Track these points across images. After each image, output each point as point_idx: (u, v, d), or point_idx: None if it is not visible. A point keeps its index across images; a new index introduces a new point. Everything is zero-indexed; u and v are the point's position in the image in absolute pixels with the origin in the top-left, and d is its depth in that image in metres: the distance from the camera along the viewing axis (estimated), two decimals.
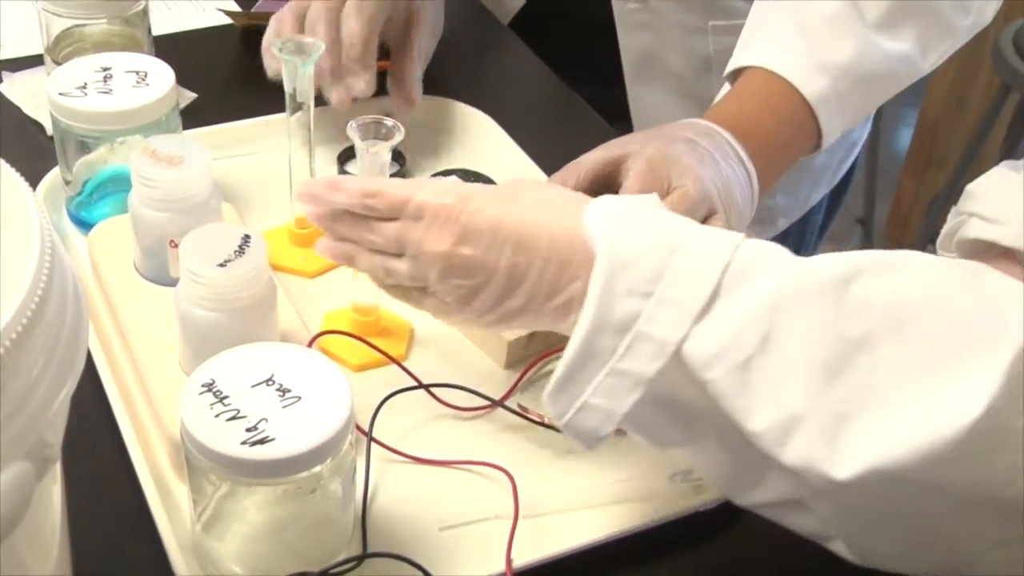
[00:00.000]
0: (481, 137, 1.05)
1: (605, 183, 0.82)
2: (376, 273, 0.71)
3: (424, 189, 0.69)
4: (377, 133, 0.76)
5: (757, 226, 1.15)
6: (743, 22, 0.97)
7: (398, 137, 0.76)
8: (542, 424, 0.78)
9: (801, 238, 1.32)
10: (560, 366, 0.64)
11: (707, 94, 1.05)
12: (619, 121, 1.18)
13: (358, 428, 0.74)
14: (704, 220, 0.81)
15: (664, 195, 0.80)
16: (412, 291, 0.71)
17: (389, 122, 0.76)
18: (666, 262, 0.62)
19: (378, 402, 0.77)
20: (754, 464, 0.62)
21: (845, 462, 0.58)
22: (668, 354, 0.61)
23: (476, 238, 0.67)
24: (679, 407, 0.64)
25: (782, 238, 1.28)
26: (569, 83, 1.15)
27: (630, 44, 1.17)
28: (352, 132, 0.76)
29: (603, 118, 1.12)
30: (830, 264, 0.62)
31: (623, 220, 0.65)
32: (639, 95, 1.20)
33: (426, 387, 0.79)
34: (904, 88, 0.98)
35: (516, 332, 0.80)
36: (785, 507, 0.64)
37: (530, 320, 0.69)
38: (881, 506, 0.60)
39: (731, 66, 0.94)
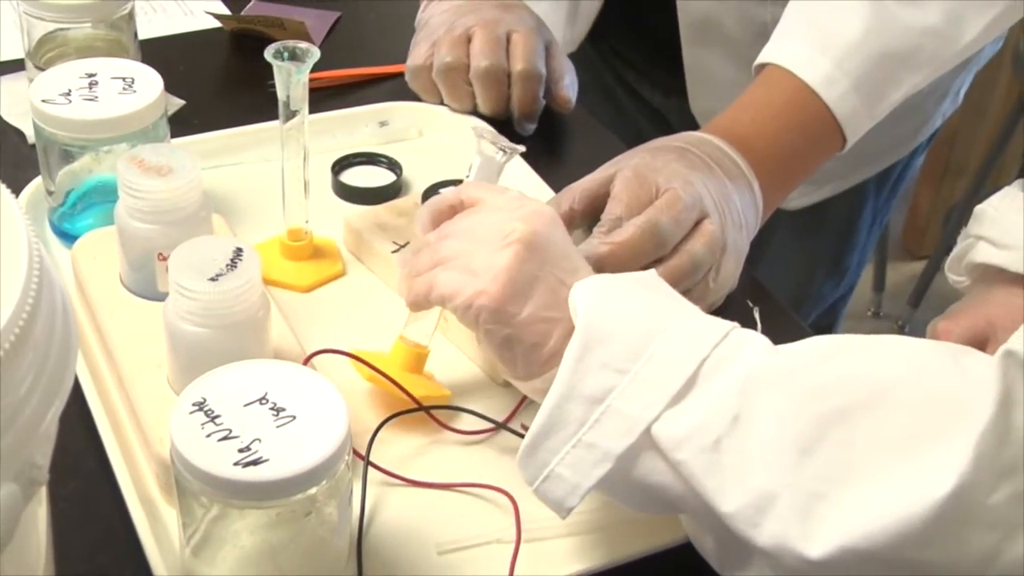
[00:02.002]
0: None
1: (600, 204, 0.82)
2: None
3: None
4: (498, 141, 0.83)
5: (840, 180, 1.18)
6: None
7: (520, 149, 0.84)
8: None
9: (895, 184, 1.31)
10: (530, 430, 0.64)
11: None
12: (673, 94, 1.19)
13: (355, 452, 0.72)
14: (696, 224, 0.81)
15: (653, 200, 0.80)
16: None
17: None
18: (646, 344, 0.63)
19: (374, 423, 0.75)
20: (736, 546, 0.62)
21: (818, 540, 0.57)
22: (638, 432, 0.62)
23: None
24: (657, 490, 0.63)
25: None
26: (621, 52, 1.13)
27: (688, 7, 1.16)
28: (480, 135, 0.82)
29: (656, 91, 1.10)
30: (808, 346, 0.63)
31: (607, 296, 0.66)
32: (694, 56, 1.18)
33: (426, 409, 0.76)
34: (949, 66, 0.93)
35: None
36: None
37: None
38: None
39: (754, 65, 0.93)
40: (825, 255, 1.32)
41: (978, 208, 0.82)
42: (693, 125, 1.19)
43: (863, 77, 0.89)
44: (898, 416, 0.58)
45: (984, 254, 0.81)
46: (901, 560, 0.56)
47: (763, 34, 1.12)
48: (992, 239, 0.81)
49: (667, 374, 0.62)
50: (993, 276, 0.81)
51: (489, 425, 0.77)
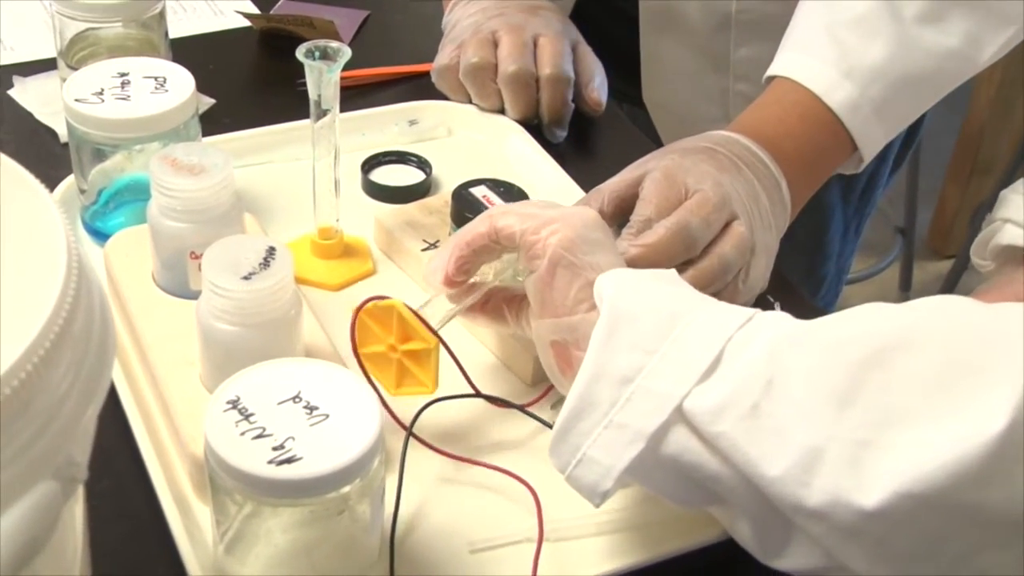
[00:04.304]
0: (510, 145, 1.04)
1: (628, 205, 0.82)
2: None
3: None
4: None
5: None
6: None
7: None
8: None
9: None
10: (560, 414, 0.64)
11: (721, 51, 1.04)
12: (632, 76, 1.18)
13: (399, 423, 0.73)
14: (726, 225, 0.80)
15: (682, 201, 0.80)
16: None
17: None
18: (671, 325, 0.63)
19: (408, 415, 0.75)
20: (777, 525, 0.61)
21: (873, 488, 0.56)
22: (669, 410, 0.61)
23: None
24: (691, 470, 0.63)
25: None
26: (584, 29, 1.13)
27: None
28: None
29: (615, 78, 1.11)
30: (829, 316, 0.62)
31: (632, 283, 0.66)
32: (652, 44, 1.17)
33: (478, 393, 0.77)
34: (958, 85, 0.93)
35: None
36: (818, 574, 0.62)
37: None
38: (916, 541, 0.58)
39: (766, 74, 0.93)
40: (796, 267, 1.31)
41: (1003, 193, 0.82)
42: (647, 115, 1.19)
43: (884, 100, 0.88)
44: (932, 353, 0.57)
45: (1010, 236, 0.81)
46: (958, 503, 0.55)
47: (724, 26, 1.12)
48: (1017, 220, 0.80)
49: (694, 352, 0.62)
50: (1020, 258, 0.81)
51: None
